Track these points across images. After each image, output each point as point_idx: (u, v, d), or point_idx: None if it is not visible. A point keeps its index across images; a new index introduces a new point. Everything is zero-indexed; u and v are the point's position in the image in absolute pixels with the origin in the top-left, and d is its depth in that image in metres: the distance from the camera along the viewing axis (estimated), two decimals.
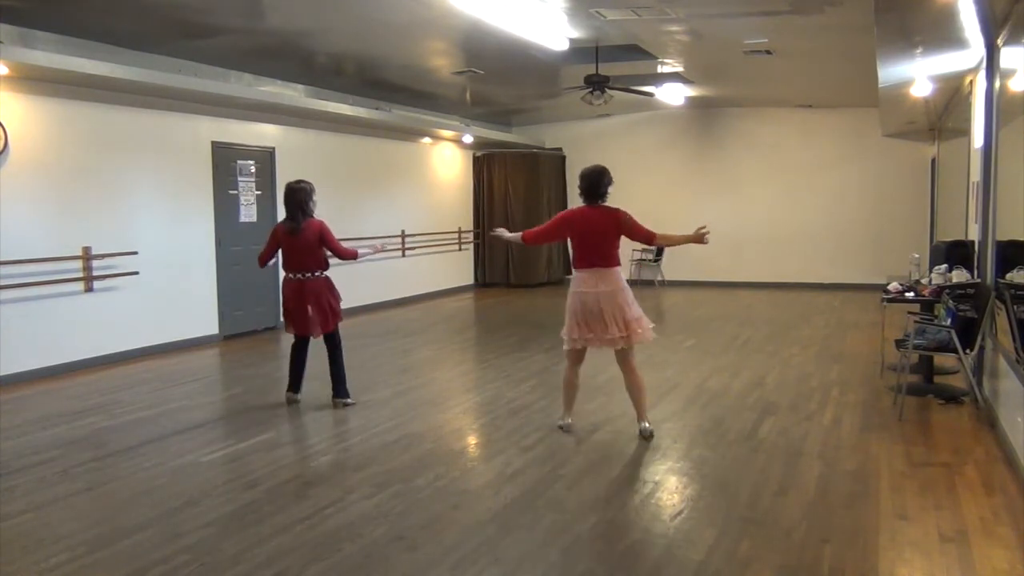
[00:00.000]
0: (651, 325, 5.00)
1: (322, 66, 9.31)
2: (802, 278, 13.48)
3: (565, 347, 5.07)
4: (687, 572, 3.21)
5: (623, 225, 4.94)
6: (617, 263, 4.99)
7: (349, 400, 5.92)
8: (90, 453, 4.86)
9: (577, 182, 5.10)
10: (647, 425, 5.04)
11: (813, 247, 13.56)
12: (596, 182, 5.01)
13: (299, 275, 5.74)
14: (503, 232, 5.46)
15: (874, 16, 5.52)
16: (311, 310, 5.71)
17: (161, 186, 8.25)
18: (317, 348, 5.94)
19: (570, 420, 5.24)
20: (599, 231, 4.94)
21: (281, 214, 9.46)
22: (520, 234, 5.31)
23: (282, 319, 6.07)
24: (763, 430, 5.20)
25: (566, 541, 3.52)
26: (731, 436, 5.07)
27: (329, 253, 5.83)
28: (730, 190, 14.01)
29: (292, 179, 5.94)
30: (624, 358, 5.01)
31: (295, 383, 6.02)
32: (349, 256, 5.93)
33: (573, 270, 5.13)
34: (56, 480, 4.37)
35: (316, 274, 5.76)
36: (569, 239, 5.10)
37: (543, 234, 5.24)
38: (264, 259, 6.01)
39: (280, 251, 5.88)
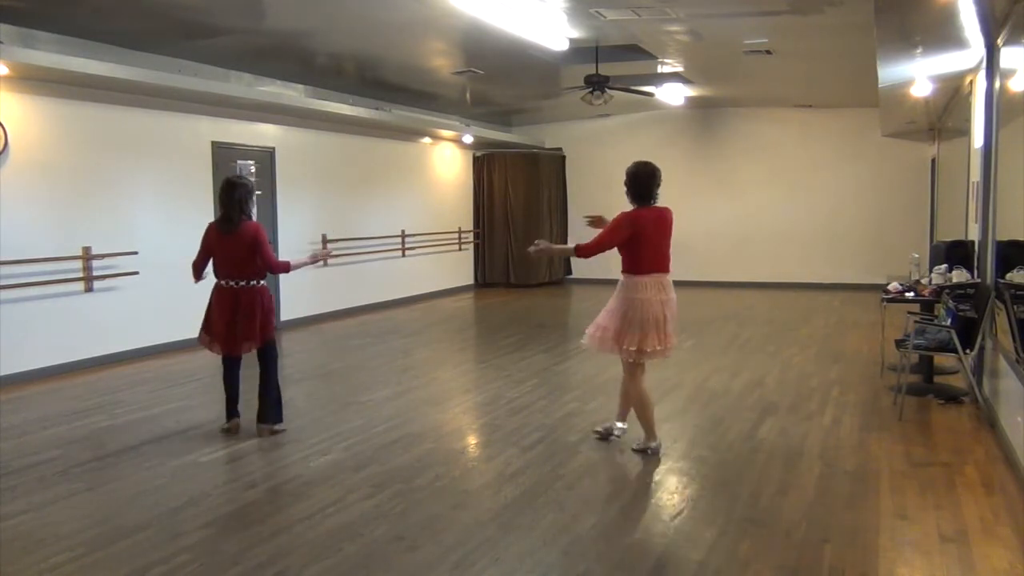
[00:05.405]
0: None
1: (322, 66, 9.31)
2: (802, 278, 13.47)
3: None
4: (687, 572, 3.22)
5: None
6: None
7: (280, 427, 5.20)
8: (90, 453, 4.86)
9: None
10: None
11: (813, 247, 13.56)
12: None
13: (232, 283, 5.05)
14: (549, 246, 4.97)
15: (874, 16, 5.52)
16: (240, 324, 5.03)
17: (161, 186, 8.25)
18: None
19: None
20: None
21: (282, 214, 9.70)
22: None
23: (200, 332, 5.22)
24: (763, 430, 5.20)
25: (566, 541, 3.52)
26: (731, 436, 5.08)
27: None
28: (730, 190, 14.01)
29: (231, 175, 5.40)
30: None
31: (232, 407, 5.27)
32: (280, 269, 5.21)
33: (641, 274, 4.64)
34: (56, 480, 4.37)
35: (252, 283, 5.06)
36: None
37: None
38: (199, 269, 5.19)
39: (211, 255, 5.16)
